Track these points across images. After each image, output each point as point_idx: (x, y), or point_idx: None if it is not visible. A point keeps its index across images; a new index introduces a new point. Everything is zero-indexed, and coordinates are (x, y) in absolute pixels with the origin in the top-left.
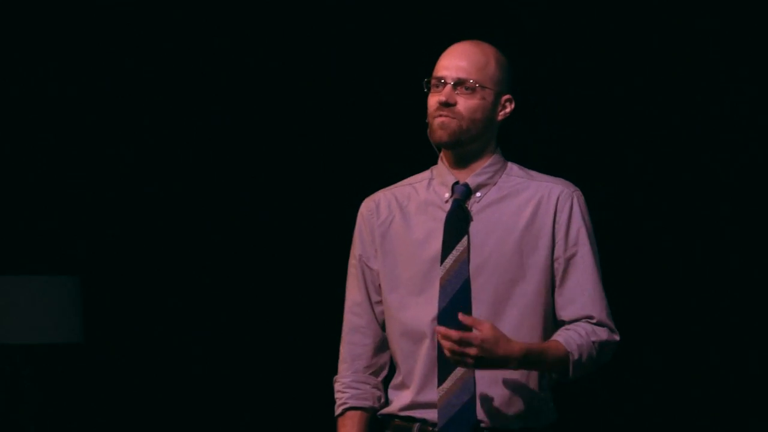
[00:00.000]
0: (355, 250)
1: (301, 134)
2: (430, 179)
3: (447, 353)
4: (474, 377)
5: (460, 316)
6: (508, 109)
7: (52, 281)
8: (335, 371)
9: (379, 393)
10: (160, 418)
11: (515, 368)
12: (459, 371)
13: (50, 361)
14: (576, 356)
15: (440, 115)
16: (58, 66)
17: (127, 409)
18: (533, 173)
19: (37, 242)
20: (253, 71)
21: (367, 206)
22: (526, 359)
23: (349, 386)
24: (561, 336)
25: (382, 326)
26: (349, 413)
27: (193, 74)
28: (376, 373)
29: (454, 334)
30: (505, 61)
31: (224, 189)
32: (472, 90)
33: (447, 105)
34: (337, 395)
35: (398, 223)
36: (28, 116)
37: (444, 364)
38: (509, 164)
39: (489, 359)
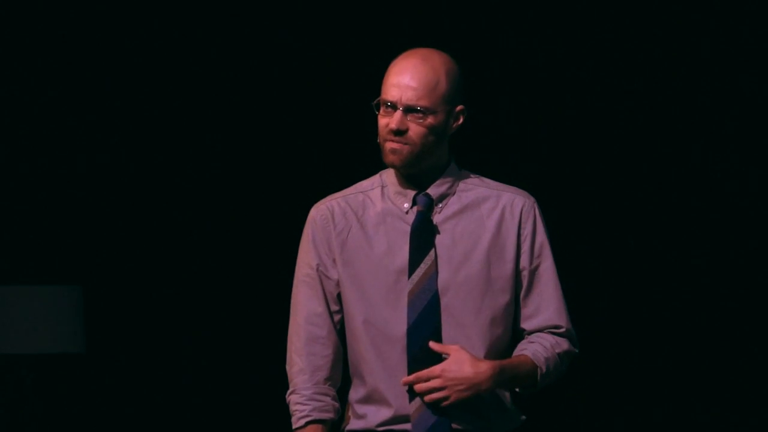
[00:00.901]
0: (310, 258)
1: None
2: (382, 187)
3: (417, 390)
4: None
5: (431, 345)
6: (461, 120)
7: (55, 291)
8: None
9: (337, 405)
10: (162, 429)
11: (490, 388)
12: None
13: (52, 371)
14: (544, 370)
15: (391, 140)
16: (59, 74)
17: (128, 420)
18: (489, 181)
19: (39, 252)
20: (251, 74)
21: (320, 213)
22: (497, 377)
23: (311, 398)
24: (528, 350)
25: (340, 337)
26: (312, 426)
27: (193, 83)
28: (334, 385)
29: (409, 378)
30: (455, 72)
31: (228, 199)
32: (423, 115)
33: (398, 133)
34: (296, 407)
35: (356, 233)
36: (30, 125)
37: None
38: (465, 172)
39: (459, 385)
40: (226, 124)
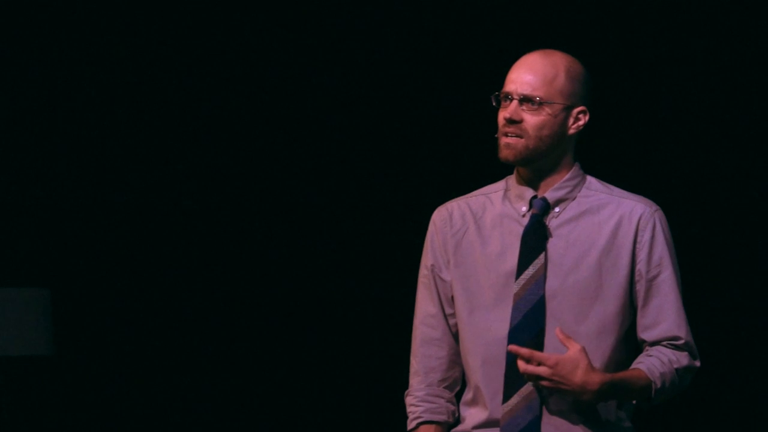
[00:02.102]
0: (427, 260)
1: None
2: (506, 190)
3: (521, 369)
4: (540, 395)
5: (557, 332)
6: (581, 122)
7: (23, 293)
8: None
9: (453, 407)
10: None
11: (592, 400)
12: (525, 389)
13: (21, 373)
14: (659, 385)
15: (506, 134)
16: (30, 77)
17: (97, 423)
18: (614, 189)
19: (8, 255)
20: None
21: (440, 215)
22: (606, 392)
23: (423, 399)
24: (644, 364)
25: (455, 339)
26: (423, 427)
27: (169, 79)
28: (450, 387)
29: (524, 351)
30: (578, 72)
31: (201, 198)
32: (538, 105)
33: (512, 122)
34: (410, 409)
35: (472, 234)
36: None
37: (511, 381)
38: (588, 178)
39: (562, 384)
40: (195, 125)
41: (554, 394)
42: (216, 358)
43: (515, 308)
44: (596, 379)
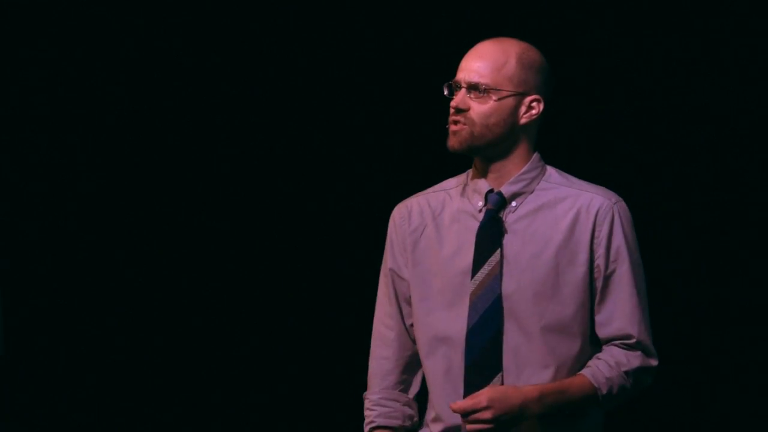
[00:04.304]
0: (386, 258)
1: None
2: (465, 185)
3: (469, 427)
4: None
5: (451, 406)
6: (534, 111)
7: None
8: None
9: (410, 411)
10: None
11: (537, 412)
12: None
13: None
14: (604, 391)
15: (453, 122)
16: None
17: (48, 424)
18: (574, 180)
19: None
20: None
21: (399, 212)
22: (549, 402)
23: (377, 404)
24: (589, 369)
25: (414, 340)
26: None
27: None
28: (406, 390)
29: (462, 405)
30: (533, 60)
31: (156, 193)
32: (483, 93)
33: (459, 111)
34: (365, 412)
35: (430, 231)
36: None
37: (471, 386)
38: (549, 170)
39: (506, 414)
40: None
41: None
42: (173, 356)
43: (472, 308)
44: (532, 392)
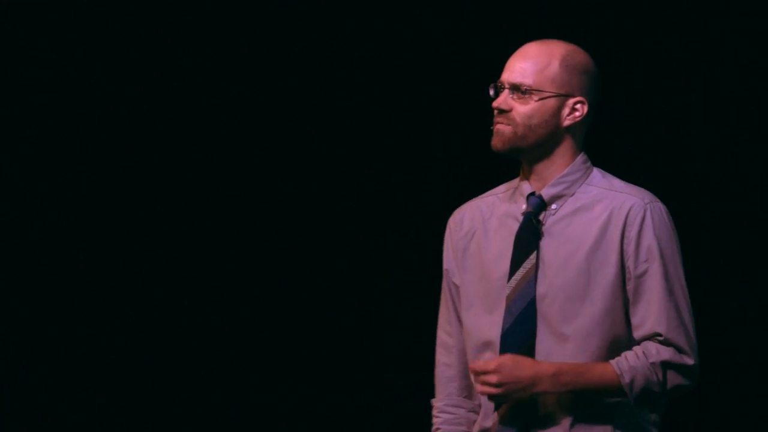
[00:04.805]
0: (444, 265)
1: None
2: (515, 188)
3: (477, 390)
4: (534, 402)
5: (469, 367)
6: (578, 113)
7: None
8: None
9: (475, 417)
10: None
11: (550, 389)
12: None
13: None
14: (627, 379)
15: (496, 122)
16: None
17: (48, 424)
18: (614, 182)
19: None
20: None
21: (453, 219)
22: (561, 378)
23: (442, 410)
24: (615, 358)
25: None
26: None
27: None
28: (470, 396)
29: (474, 366)
30: (578, 62)
31: (156, 193)
32: (527, 94)
33: (501, 112)
34: (433, 419)
35: (479, 236)
36: None
37: None
38: (594, 172)
39: (514, 383)
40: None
41: (528, 403)
42: (170, 358)
43: (507, 311)
44: (548, 367)
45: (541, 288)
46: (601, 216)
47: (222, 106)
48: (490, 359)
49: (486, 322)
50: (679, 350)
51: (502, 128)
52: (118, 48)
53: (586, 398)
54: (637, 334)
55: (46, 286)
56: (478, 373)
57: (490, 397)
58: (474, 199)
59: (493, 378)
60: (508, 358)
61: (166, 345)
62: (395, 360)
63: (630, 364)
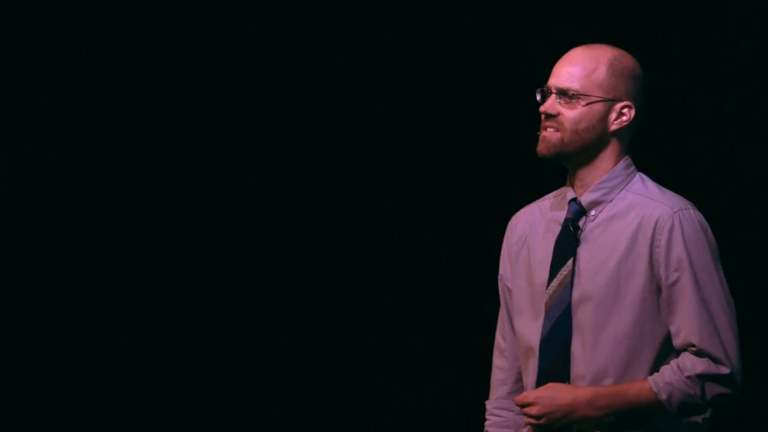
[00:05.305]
0: (499, 269)
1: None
2: (564, 194)
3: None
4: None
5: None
6: (625, 118)
7: None
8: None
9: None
10: None
11: (590, 414)
12: None
13: None
14: (664, 396)
15: (544, 128)
16: None
17: (48, 424)
18: (651, 189)
19: None
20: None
21: (510, 223)
22: (599, 402)
23: (492, 413)
24: (653, 375)
25: None
26: None
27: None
28: None
29: (517, 400)
30: (625, 66)
31: (156, 193)
32: (574, 99)
33: (549, 117)
34: (485, 422)
35: (529, 241)
36: None
37: None
38: (636, 178)
39: (555, 411)
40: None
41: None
42: (170, 358)
43: (546, 317)
44: (585, 393)
45: (575, 295)
46: (633, 223)
47: (222, 106)
48: (530, 391)
49: (531, 328)
50: (715, 360)
51: (548, 135)
52: (117, 48)
53: (626, 417)
54: (675, 343)
55: (46, 286)
56: (520, 406)
57: (535, 428)
58: (533, 202)
59: (533, 410)
60: (546, 388)
61: (166, 345)
62: (395, 360)
63: (666, 380)
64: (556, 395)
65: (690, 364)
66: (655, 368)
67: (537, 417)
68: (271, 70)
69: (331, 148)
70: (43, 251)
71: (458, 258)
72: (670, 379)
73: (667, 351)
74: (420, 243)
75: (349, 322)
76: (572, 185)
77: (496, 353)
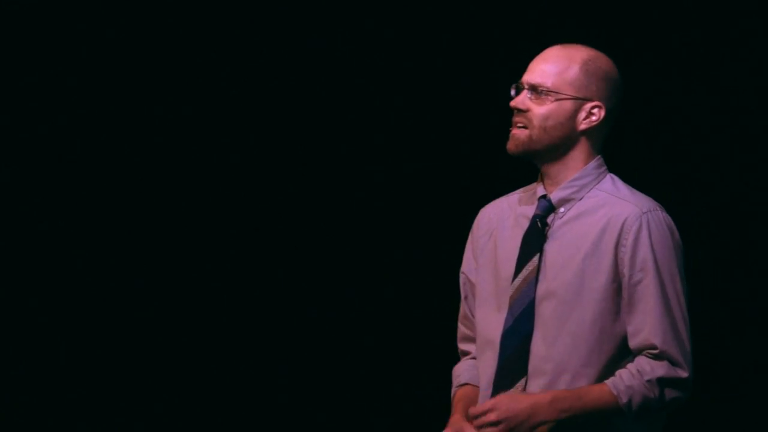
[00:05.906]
0: (463, 261)
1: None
2: (534, 190)
3: None
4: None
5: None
6: (595, 118)
7: None
8: None
9: None
10: None
11: (549, 417)
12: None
13: None
14: (624, 399)
15: (514, 123)
16: None
17: (48, 424)
18: (621, 189)
19: None
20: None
21: (477, 216)
22: (558, 405)
23: (465, 369)
24: (611, 378)
25: None
26: (467, 388)
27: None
28: None
29: (472, 410)
30: (598, 67)
31: (156, 193)
32: (544, 95)
33: (519, 111)
34: (453, 381)
35: (495, 236)
36: None
37: (498, 390)
38: (606, 177)
39: (513, 416)
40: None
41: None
42: (170, 358)
43: (509, 312)
44: (544, 397)
45: (540, 290)
46: (601, 221)
47: (222, 106)
48: (486, 402)
49: (494, 320)
50: (673, 363)
51: (517, 133)
52: (117, 48)
53: (585, 420)
54: (632, 343)
55: (46, 286)
56: (476, 416)
57: None
58: (502, 197)
59: (492, 416)
60: (503, 396)
61: (166, 345)
62: (395, 360)
63: (626, 383)
64: (514, 399)
65: (650, 368)
66: (611, 367)
67: (495, 423)
68: (270, 70)
69: (331, 147)
70: (43, 251)
71: (458, 258)
72: (630, 383)
73: (624, 351)
74: (420, 243)
75: (349, 322)
76: (543, 182)
77: (462, 341)
